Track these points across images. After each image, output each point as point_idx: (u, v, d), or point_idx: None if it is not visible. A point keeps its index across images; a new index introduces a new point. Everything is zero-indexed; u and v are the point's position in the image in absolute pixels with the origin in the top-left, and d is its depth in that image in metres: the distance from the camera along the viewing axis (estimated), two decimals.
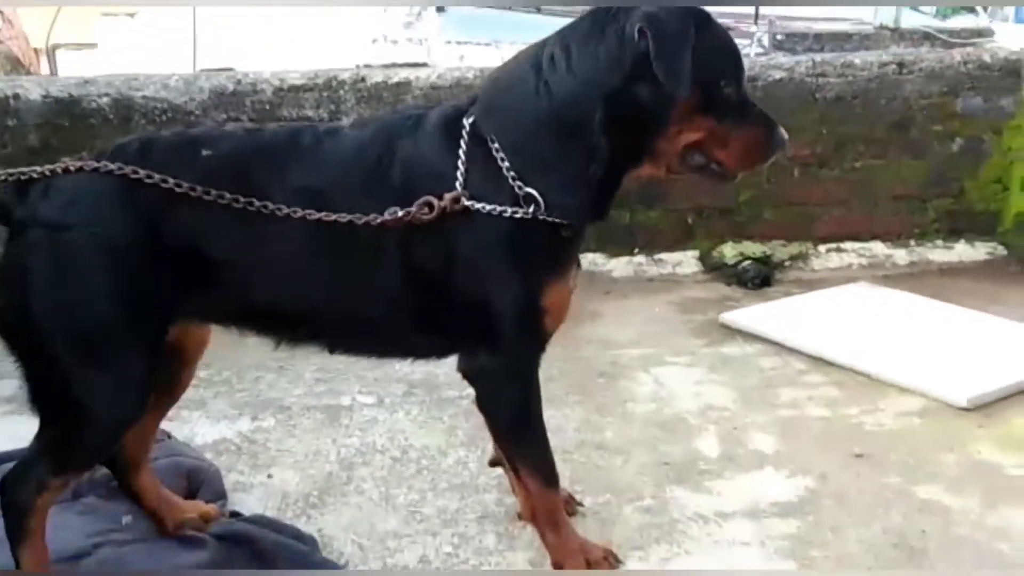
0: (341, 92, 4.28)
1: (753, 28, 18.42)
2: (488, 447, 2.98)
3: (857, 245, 4.69)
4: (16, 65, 15.32)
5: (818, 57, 4.66)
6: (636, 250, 4.58)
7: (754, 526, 2.63)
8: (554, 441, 3.02)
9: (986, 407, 3.23)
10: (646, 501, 2.75)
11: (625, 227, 4.53)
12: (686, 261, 4.60)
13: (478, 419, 3.12)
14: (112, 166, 2.07)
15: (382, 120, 2.34)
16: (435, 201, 2.08)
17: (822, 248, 4.66)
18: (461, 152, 2.12)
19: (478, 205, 2.11)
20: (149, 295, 2.13)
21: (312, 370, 3.54)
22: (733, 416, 3.23)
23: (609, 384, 3.46)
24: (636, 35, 2.03)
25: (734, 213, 4.60)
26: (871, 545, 2.53)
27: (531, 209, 2.11)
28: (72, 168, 2.09)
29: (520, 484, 2.37)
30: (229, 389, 3.42)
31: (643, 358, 3.66)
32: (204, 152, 2.16)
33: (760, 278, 4.43)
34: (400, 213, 2.08)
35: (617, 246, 4.55)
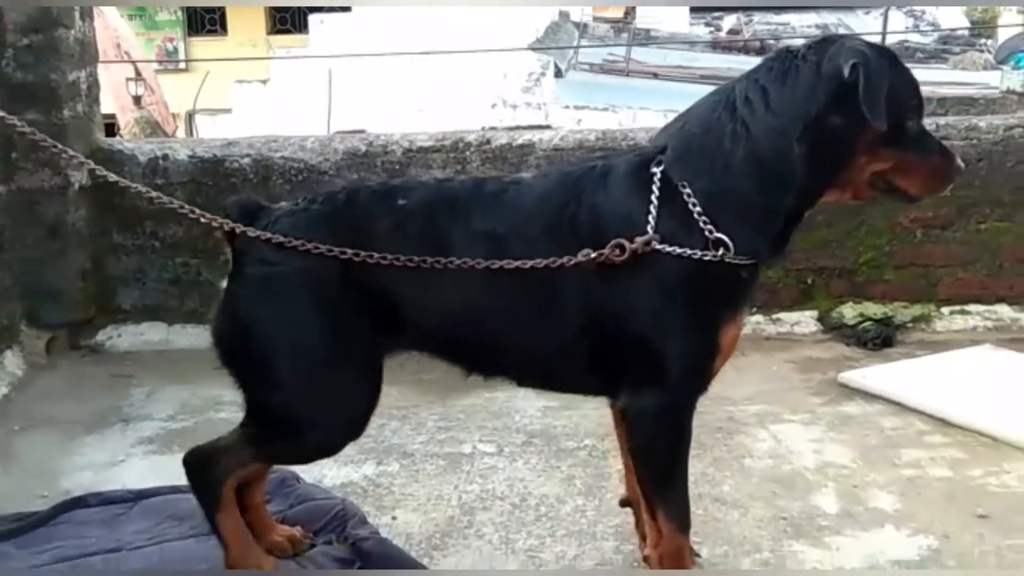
0: (467, 153, 4.44)
1: None
2: (607, 497, 3.05)
3: (982, 308, 4.60)
4: (156, 128, 16.19)
5: (942, 120, 4.64)
6: (754, 309, 4.58)
7: None
8: None
9: None
10: (764, 554, 2.77)
11: None
12: (805, 321, 4.58)
13: (595, 469, 3.23)
14: (293, 240, 2.26)
15: (566, 170, 2.45)
16: (627, 243, 2.17)
17: (946, 310, 4.59)
18: (653, 198, 2.22)
19: (669, 248, 2.19)
20: (353, 325, 2.31)
21: (435, 419, 3.66)
22: (853, 474, 3.21)
23: (726, 439, 3.47)
24: (848, 70, 2.13)
25: (855, 274, 4.58)
26: None
27: (720, 252, 2.19)
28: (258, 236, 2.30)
29: (653, 525, 2.41)
30: None
31: (760, 415, 3.67)
32: (400, 201, 2.34)
33: (881, 339, 4.38)
34: (593, 255, 2.18)
35: None
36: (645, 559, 2.59)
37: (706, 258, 2.19)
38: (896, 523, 2.91)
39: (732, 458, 3.34)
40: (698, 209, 2.20)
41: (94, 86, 4.49)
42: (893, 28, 22.35)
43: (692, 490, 3.07)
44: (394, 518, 2.98)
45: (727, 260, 2.19)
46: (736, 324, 2.31)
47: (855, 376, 3.96)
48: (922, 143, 2.28)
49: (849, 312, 4.51)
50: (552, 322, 2.30)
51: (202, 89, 17.91)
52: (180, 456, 2.50)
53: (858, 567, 2.69)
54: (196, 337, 4.39)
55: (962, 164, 2.35)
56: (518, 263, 2.20)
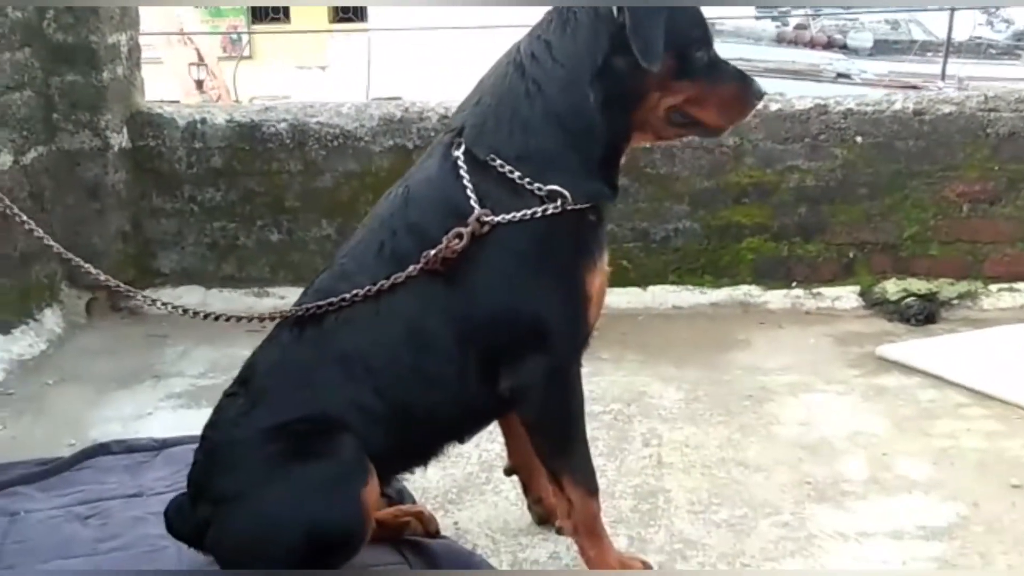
0: None
1: (940, 84, 17.85)
2: (628, 459, 3.02)
3: None
4: None
5: (990, 92, 4.50)
6: (794, 283, 4.49)
7: (896, 546, 2.56)
8: (694, 456, 3.06)
9: None
10: (784, 516, 2.71)
11: (782, 260, 4.46)
12: (846, 296, 4.47)
13: (619, 432, 3.20)
14: None
15: (365, 227, 2.35)
16: (463, 229, 2.12)
17: (993, 287, 4.45)
18: (465, 182, 2.16)
19: (508, 216, 2.14)
20: None
21: None
22: (883, 443, 3.13)
23: (755, 407, 3.40)
24: (615, 11, 2.10)
25: (898, 249, 4.46)
26: (1022, 572, 2.42)
27: (559, 203, 2.15)
28: None
29: (561, 495, 2.32)
30: None
31: (792, 385, 3.59)
32: None
33: (924, 315, 4.26)
34: (432, 252, 2.13)
35: (773, 279, 4.48)
36: (559, 531, 2.55)
37: (548, 212, 2.14)
38: (925, 490, 2.83)
39: (760, 425, 3.27)
40: (517, 174, 2.15)
41: (135, 50, 4.52)
42: (965, 24, 21.84)
43: (716, 454, 3.07)
44: (412, 472, 2.95)
45: (568, 208, 2.14)
46: (599, 270, 2.24)
47: (893, 350, 3.86)
48: (715, 72, 2.24)
49: (892, 288, 4.39)
50: (429, 353, 2.20)
51: (265, 75, 18.10)
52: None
53: (882, 531, 2.62)
54: (231, 301, 4.43)
55: (762, 88, 2.30)
56: (354, 292, 2.18)
